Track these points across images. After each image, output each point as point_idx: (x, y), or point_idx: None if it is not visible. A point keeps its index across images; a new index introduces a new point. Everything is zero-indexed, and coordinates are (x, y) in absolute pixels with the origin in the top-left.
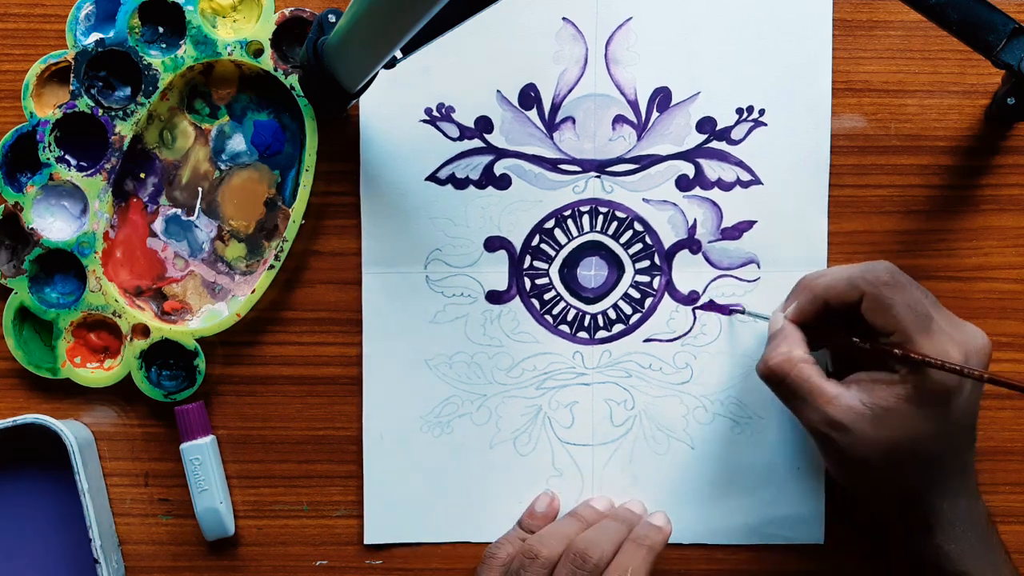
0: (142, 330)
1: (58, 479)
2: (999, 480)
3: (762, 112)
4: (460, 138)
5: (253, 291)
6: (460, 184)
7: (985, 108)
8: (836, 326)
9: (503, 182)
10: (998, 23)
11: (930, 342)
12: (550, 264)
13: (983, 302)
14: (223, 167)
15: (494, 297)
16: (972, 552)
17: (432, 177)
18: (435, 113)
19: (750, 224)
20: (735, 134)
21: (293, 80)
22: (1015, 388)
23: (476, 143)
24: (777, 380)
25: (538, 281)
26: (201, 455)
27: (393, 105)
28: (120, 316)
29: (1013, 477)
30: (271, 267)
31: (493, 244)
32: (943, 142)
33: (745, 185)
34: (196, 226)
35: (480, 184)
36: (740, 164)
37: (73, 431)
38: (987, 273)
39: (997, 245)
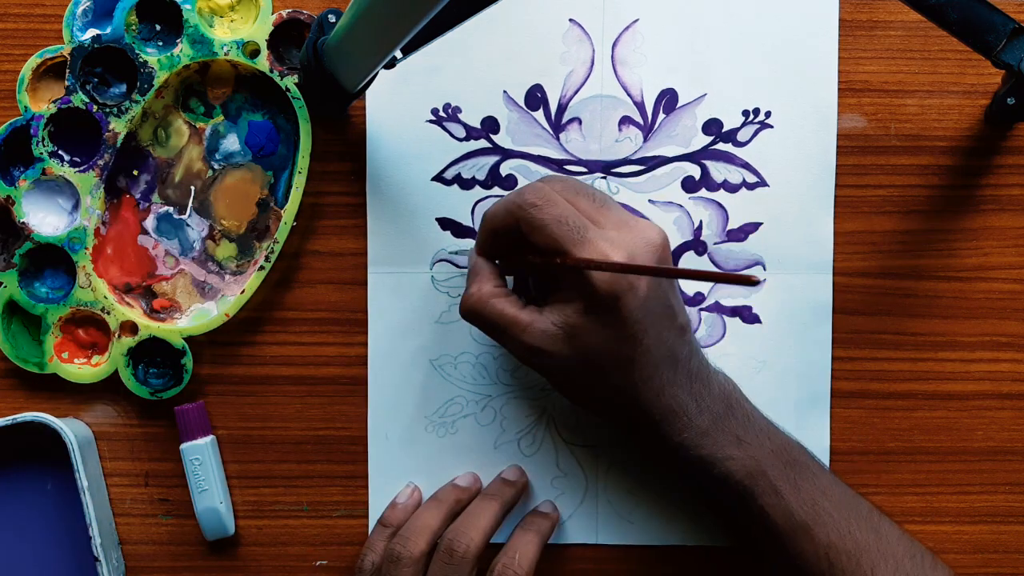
0: (130, 327)
1: (58, 478)
2: (999, 480)
3: (768, 114)
4: (466, 138)
5: (243, 291)
6: (466, 184)
7: (985, 108)
8: (521, 249)
9: (509, 182)
10: (998, 23)
11: (584, 250)
12: None
13: (983, 302)
14: (216, 166)
15: None
16: (707, 436)
17: (438, 177)
18: (441, 113)
19: (756, 226)
20: (741, 136)
21: (289, 81)
22: (654, 273)
23: (482, 143)
24: (474, 319)
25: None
26: (201, 455)
27: (399, 105)
28: (109, 313)
29: (1013, 477)
30: (261, 268)
31: None
32: (943, 142)
33: (751, 187)
34: (188, 225)
35: (486, 184)
36: (746, 166)
37: (73, 429)
38: (987, 273)
39: (997, 245)
